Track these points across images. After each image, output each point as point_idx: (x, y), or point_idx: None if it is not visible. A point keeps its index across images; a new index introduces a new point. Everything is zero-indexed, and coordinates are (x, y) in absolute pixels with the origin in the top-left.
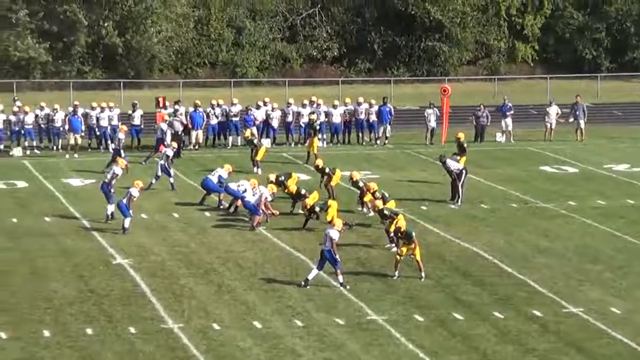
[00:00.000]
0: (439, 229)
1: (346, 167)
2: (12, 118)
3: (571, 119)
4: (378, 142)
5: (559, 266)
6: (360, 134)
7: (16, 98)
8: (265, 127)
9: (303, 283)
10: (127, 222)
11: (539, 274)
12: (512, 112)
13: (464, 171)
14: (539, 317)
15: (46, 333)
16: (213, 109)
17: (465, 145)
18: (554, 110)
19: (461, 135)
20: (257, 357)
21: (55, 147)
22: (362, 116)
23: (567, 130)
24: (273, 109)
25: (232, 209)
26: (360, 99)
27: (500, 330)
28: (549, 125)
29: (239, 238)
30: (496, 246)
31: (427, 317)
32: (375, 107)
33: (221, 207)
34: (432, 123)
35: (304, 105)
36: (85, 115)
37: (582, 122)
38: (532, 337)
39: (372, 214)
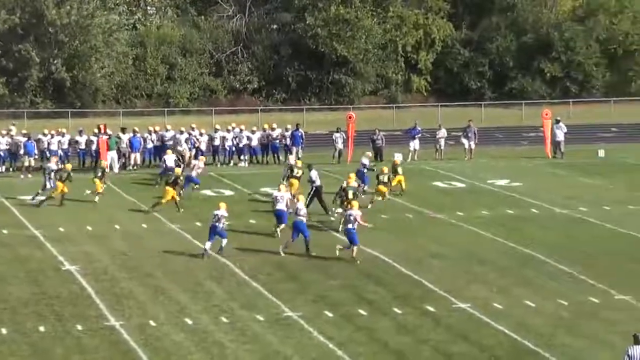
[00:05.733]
0: (344, 236)
1: (266, 184)
2: None
3: (464, 140)
4: None
5: (449, 268)
6: (275, 155)
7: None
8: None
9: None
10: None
11: (432, 275)
12: (420, 135)
13: (319, 188)
14: (432, 312)
15: (3, 330)
16: (150, 134)
17: (398, 168)
18: (442, 134)
19: (397, 161)
20: (188, 349)
21: (12, 169)
22: (278, 140)
23: (455, 150)
24: (201, 134)
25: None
26: (274, 125)
27: (399, 323)
28: (438, 147)
29: (172, 246)
30: (395, 251)
31: (335, 313)
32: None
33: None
34: (339, 145)
35: (228, 131)
36: (38, 141)
37: (472, 143)
38: (426, 329)
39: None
